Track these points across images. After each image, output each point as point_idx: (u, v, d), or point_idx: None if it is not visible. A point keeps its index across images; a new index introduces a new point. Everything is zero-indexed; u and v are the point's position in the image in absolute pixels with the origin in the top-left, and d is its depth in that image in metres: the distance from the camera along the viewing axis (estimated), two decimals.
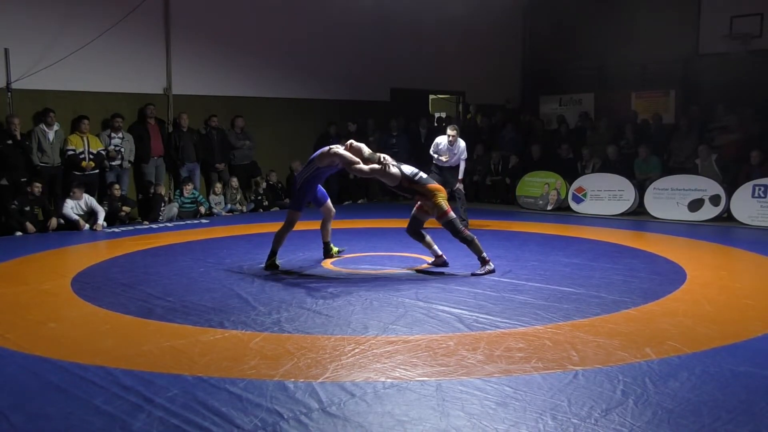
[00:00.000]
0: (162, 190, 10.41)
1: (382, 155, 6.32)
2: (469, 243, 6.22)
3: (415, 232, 6.53)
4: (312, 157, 6.63)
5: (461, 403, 3.28)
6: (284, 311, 4.98)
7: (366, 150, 6.37)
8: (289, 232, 6.70)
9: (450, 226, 6.21)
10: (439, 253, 6.54)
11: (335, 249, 7.16)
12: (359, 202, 13.02)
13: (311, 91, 12.92)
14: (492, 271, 6.19)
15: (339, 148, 6.40)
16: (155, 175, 10.70)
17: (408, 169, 6.32)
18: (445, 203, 6.23)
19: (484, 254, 6.24)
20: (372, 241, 8.33)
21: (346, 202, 12.73)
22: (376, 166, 6.24)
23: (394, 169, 6.23)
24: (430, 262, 6.64)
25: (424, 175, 6.36)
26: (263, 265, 6.62)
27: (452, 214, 6.23)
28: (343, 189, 12.82)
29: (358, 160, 6.29)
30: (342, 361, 3.88)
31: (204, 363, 3.87)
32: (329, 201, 7.03)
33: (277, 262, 6.64)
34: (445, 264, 6.51)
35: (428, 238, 6.55)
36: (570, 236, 8.76)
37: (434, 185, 6.33)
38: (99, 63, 10.23)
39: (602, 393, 3.38)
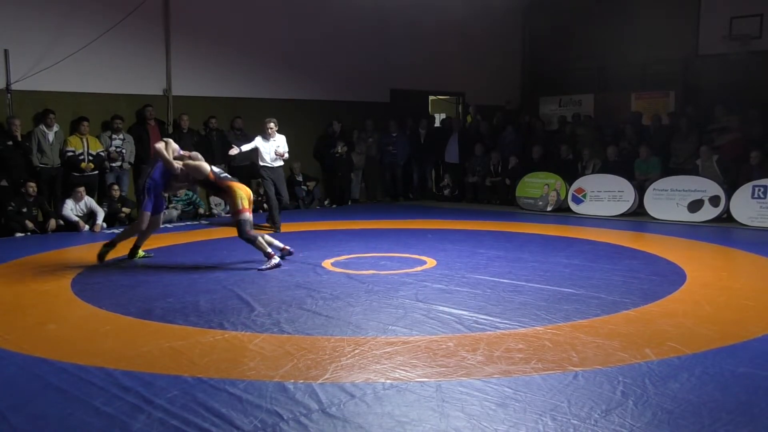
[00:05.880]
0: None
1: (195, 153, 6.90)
2: (253, 242, 6.49)
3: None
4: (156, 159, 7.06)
5: (461, 404, 3.28)
6: (284, 312, 4.98)
7: (173, 146, 6.91)
8: (150, 234, 7.21)
9: (238, 225, 6.47)
10: (282, 245, 6.95)
11: (141, 252, 7.31)
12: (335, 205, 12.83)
13: (311, 91, 12.91)
14: (278, 266, 6.44)
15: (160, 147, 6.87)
16: None
17: (216, 168, 6.81)
18: (242, 202, 6.49)
19: (269, 249, 6.51)
20: (372, 242, 8.32)
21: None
22: (191, 162, 6.70)
23: (203, 163, 6.68)
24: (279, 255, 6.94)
25: (229, 176, 6.81)
26: (128, 256, 7.10)
27: (247, 214, 6.46)
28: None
29: (171, 160, 6.76)
30: (342, 362, 3.88)
31: (204, 364, 3.88)
32: (162, 214, 7.37)
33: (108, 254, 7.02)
34: (290, 253, 6.97)
35: (267, 238, 6.91)
36: (570, 237, 8.76)
37: (236, 183, 6.67)
38: (99, 64, 10.23)
39: (602, 394, 3.38)
